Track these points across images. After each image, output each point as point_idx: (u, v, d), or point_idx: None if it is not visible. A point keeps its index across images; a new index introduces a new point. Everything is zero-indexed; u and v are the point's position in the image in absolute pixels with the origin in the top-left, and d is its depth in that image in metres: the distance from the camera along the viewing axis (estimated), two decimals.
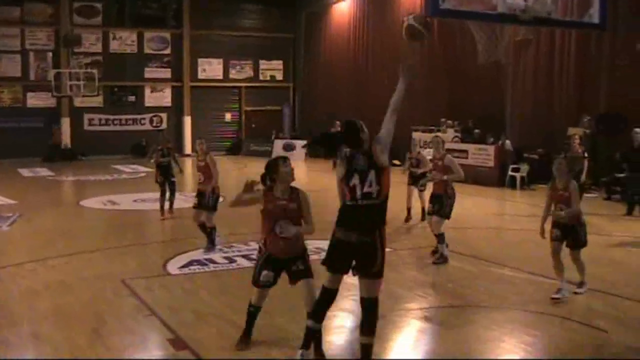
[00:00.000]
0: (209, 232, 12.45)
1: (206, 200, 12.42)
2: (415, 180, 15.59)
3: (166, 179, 16.53)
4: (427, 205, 12.75)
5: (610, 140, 21.26)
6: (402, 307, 8.99)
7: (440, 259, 11.42)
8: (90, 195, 21.64)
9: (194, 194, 13.03)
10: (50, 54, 37.27)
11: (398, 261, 11.49)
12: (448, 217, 11.53)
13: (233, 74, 40.83)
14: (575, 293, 9.18)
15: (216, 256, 12.02)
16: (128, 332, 8.12)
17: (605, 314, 8.54)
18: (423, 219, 15.03)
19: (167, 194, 16.66)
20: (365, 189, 6.20)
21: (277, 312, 8.24)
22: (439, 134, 16.65)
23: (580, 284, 9.27)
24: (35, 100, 37.07)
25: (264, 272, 7.08)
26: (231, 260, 11.80)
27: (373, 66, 33.68)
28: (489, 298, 9.44)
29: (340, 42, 36.80)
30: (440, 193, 11.60)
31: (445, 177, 11.58)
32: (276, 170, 6.98)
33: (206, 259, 11.78)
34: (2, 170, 30.40)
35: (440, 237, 11.45)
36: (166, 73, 39.60)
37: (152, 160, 17.21)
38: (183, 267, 11.34)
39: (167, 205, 16.71)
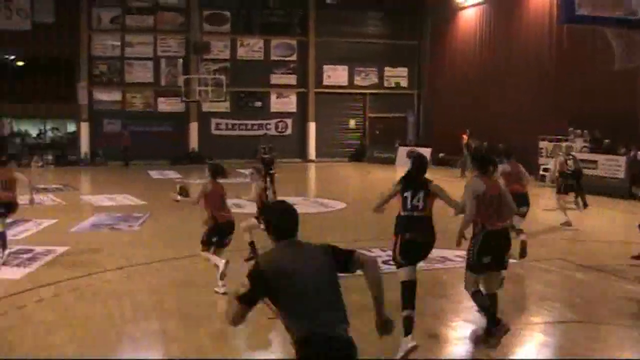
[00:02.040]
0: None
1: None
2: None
3: (267, 172, 19.34)
4: None
5: None
6: (526, 320, 8.70)
7: None
8: None
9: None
10: (180, 61, 38.37)
11: (525, 274, 11.12)
12: None
13: (358, 80, 40.87)
14: None
15: None
16: (253, 334, 8.11)
17: None
18: None
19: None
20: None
21: None
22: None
23: None
24: (165, 105, 38.28)
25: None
26: None
27: (501, 73, 32.91)
28: (617, 316, 8.95)
29: (467, 49, 36.20)
30: None
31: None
32: None
33: None
34: (134, 172, 31.51)
35: None
36: (291, 79, 40.03)
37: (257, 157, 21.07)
38: None
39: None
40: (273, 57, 39.73)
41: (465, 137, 30.62)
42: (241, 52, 39.28)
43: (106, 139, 37.10)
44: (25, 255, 12.45)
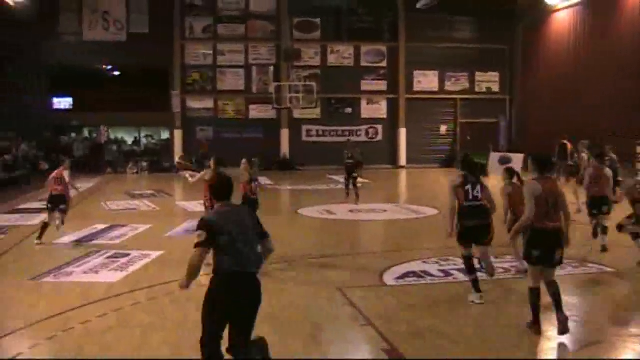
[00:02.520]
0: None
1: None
2: None
3: (349, 175, 22.17)
4: None
5: None
6: (626, 332, 8.35)
7: None
8: (307, 204, 22.06)
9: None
10: (271, 68, 38.77)
11: (624, 283, 10.76)
12: None
13: (448, 85, 40.47)
14: None
15: (433, 269, 11.78)
16: (344, 340, 8.07)
17: None
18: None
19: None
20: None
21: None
22: None
23: None
24: (256, 112, 38.69)
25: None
26: (447, 273, 11.52)
27: (597, 75, 31.88)
28: None
29: (561, 51, 35.30)
30: None
31: None
32: None
33: (422, 272, 11.58)
34: None
35: None
36: (382, 85, 39.92)
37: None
38: (399, 278, 11.19)
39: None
40: (363, 63, 39.72)
41: (569, 144, 29.92)
42: (331, 59, 39.43)
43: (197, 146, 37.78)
44: (122, 259, 12.74)
